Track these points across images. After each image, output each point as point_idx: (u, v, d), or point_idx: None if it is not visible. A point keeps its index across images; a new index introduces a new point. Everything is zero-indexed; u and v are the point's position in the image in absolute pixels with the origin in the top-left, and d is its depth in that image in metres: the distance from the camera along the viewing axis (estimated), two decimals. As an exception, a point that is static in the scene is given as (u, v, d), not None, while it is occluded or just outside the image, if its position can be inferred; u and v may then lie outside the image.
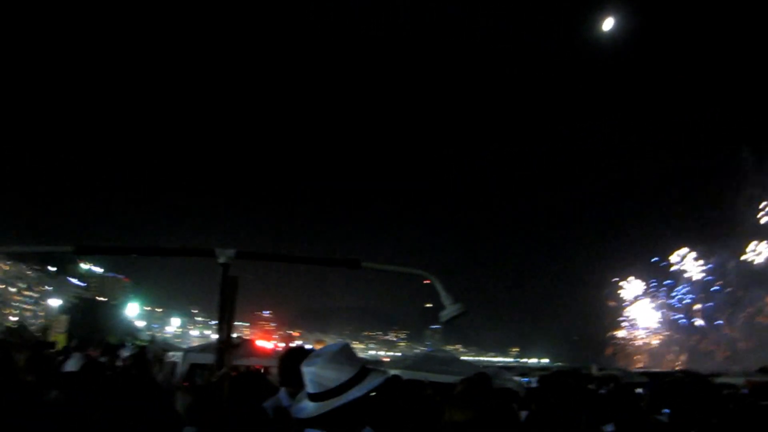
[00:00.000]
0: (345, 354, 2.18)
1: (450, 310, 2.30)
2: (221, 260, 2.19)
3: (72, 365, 4.90)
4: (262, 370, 8.33)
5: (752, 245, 57.27)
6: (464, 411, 1.50)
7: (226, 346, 2.16)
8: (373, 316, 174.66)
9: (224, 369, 2.16)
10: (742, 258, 58.53)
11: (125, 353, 7.49)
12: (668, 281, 70.16)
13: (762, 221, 57.04)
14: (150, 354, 8.47)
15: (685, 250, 66.54)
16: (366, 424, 2.18)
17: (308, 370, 2.17)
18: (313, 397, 2.14)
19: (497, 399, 1.57)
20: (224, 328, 2.13)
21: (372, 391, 2.10)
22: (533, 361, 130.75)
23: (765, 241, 56.35)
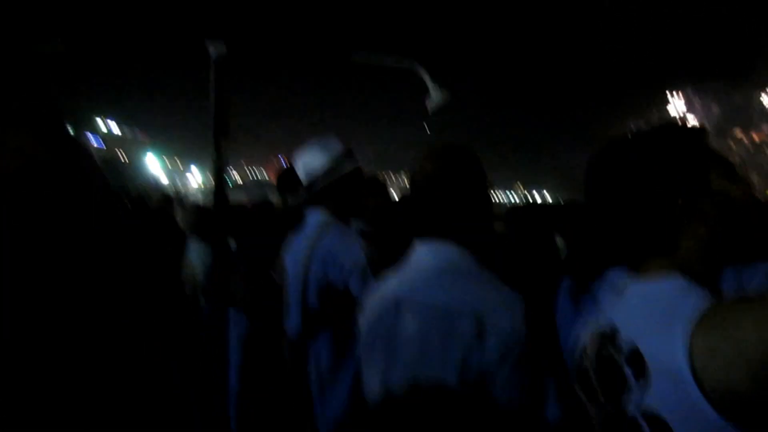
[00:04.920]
0: (327, 139, 2.40)
1: (435, 97, 2.38)
2: (213, 55, 2.20)
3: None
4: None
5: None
6: (436, 161, 1.56)
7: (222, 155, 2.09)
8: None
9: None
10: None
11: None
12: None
13: None
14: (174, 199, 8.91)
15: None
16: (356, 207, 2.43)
17: (297, 161, 2.41)
18: (307, 185, 2.39)
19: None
20: (220, 144, 2.07)
21: (358, 168, 2.37)
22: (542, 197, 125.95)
23: None
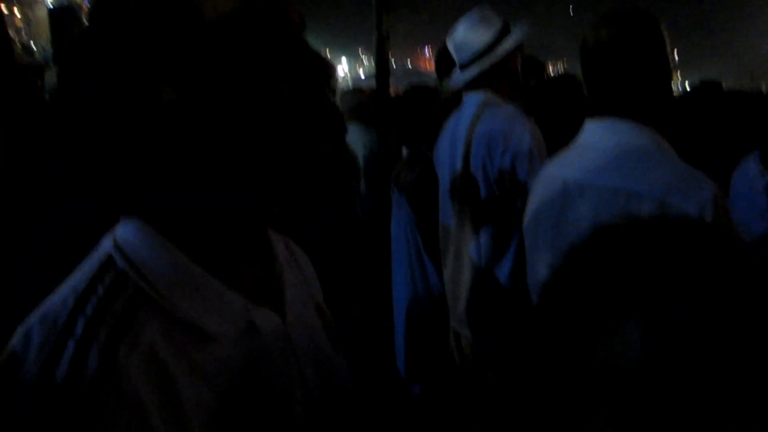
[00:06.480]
0: (484, 14, 2.13)
1: None
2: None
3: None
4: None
5: None
6: (612, 25, 1.38)
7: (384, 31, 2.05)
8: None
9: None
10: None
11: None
12: None
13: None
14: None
15: None
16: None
17: (452, 40, 2.18)
18: (465, 66, 2.17)
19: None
20: (382, 19, 1.98)
21: (521, 42, 2.11)
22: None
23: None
